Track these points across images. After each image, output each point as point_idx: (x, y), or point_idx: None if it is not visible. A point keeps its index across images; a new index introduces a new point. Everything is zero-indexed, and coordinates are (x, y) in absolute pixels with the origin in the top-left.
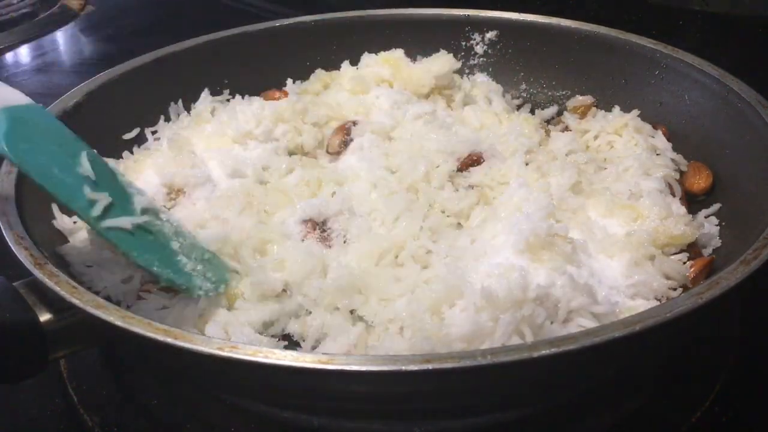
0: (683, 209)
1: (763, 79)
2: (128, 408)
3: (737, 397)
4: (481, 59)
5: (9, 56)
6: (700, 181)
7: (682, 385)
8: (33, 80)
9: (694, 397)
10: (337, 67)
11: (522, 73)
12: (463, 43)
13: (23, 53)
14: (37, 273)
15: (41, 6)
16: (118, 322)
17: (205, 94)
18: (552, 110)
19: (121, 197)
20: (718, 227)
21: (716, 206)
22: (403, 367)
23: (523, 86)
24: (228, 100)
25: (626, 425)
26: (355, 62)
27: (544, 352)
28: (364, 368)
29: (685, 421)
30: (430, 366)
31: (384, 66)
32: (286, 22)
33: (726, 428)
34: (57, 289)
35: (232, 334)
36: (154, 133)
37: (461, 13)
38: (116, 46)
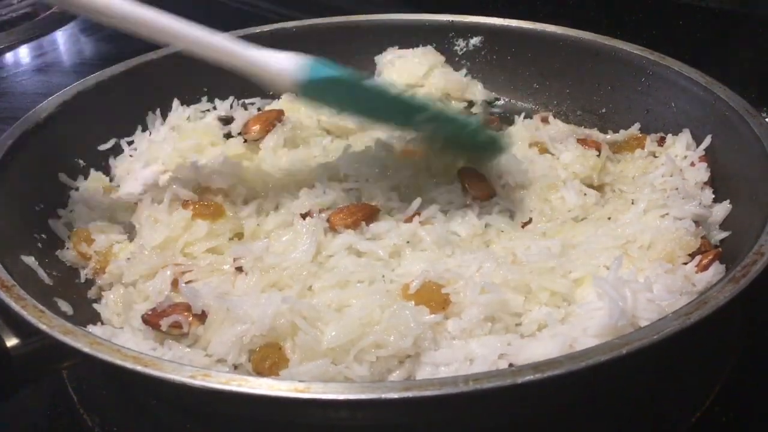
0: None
1: (762, 76)
2: (128, 408)
3: (737, 397)
4: (466, 65)
5: (9, 56)
6: None
7: (682, 385)
8: (33, 80)
9: (694, 397)
10: None
11: (506, 79)
12: (447, 49)
13: (23, 53)
14: (4, 296)
15: (41, 6)
16: (86, 349)
17: (176, 105)
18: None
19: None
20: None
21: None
22: (383, 395)
23: (508, 92)
24: (209, 110)
25: (626, 425)
26: None
27: (528, 377)
28: (342, 397)
29: (685, 421)
30: (410, 394)
31: None
32: (267, 28)
33: (726, 428)
34: (24, 313)
35: None
36: (130, 143)
37: (445, 19)
38: (116, 46)
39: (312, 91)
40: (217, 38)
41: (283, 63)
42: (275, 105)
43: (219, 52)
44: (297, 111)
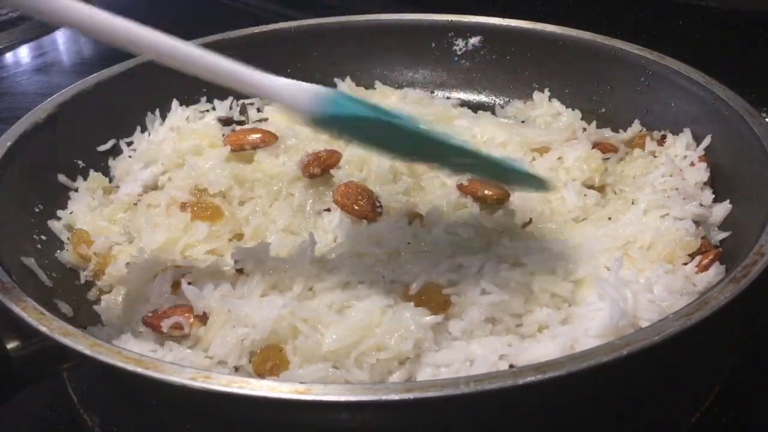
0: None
1: (762, 76)
2: (128, 408)
3: (737, 397)
4: (465, 65)
5: (9, 56)
6: None
7: (682, 385)
8: (33, 80)
9: (694, 397)
10: (318, 75)
11: (506, 79)
12: (447, 49)
13: (23, 53)
14: (3, 298)
15: None
16: (87, 351)
17: (175, 105)
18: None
19: None
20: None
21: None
22: (384, 397)
23: (507, 92)
24: (208, 111)
25: (626, 425)
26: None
27: (530, 378)
28: (343, 398)
29: (685, 421)
30: (411, 395)
31: None
32: (266, 28)
33: (726, 428)
34: (24, 315)
35: None
36: (129, 144)
37: (444, 19)
38: None
39: (332, 125)
40: (227, 64)
41: (298, 94)
42: (274, 106)
43: (230, 79)
44: (294, 123)
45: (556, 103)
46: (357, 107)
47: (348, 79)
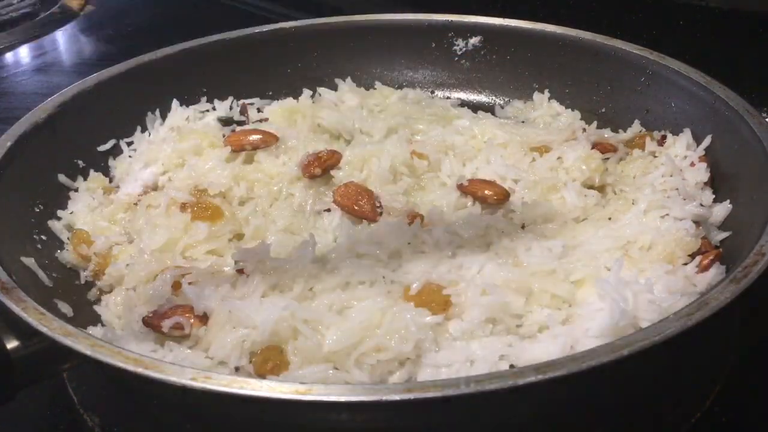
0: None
1: (762, 76)
2: (128, 408)
3: (737, 397)
4: (465, 65)
5: (9, 56)
6: None
7: (682, 385)
8: (33, 80)
9: (694, 397)
10: (318, 75)
11: (506, 79)
12: (447, 49)
13: (23, 53)
14: (4, 298)
15: (41, 6)
16: (87, 351)
17: (175, 105)
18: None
19: None
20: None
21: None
22: (385, 397)
23: (507, 92)
24: (208, 111)
25: (626, 425)
26: (337, 72)
27: (530, 379)
28: (343, 399)
29: (685, 421)
30: (411, 396)
31: None
32: (266, 28)
33: (726, 428)
34: (24, 315)
35: None
36: (130, 144)
37: (444, 19)
38: (116, 46)
39: None
40: None
41: None
42: (274, 106)
43: None
44: (294, 123)
45: (556, 104)
46: None
47: (348, 79)
